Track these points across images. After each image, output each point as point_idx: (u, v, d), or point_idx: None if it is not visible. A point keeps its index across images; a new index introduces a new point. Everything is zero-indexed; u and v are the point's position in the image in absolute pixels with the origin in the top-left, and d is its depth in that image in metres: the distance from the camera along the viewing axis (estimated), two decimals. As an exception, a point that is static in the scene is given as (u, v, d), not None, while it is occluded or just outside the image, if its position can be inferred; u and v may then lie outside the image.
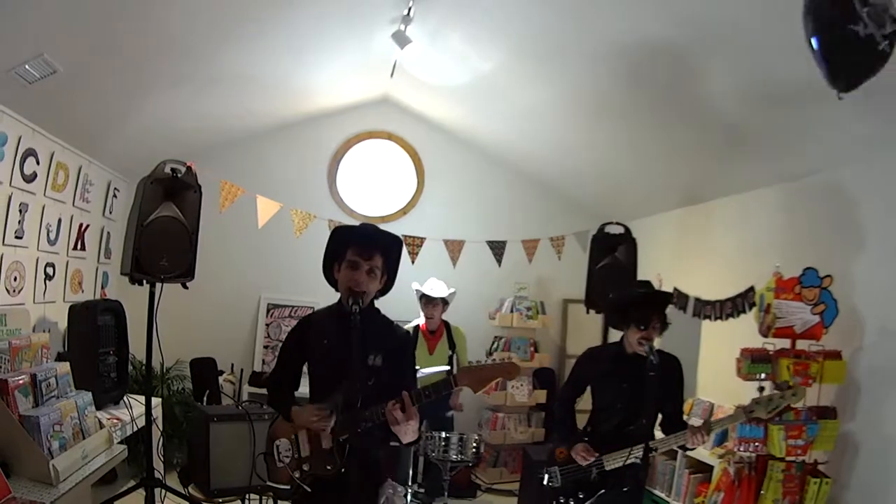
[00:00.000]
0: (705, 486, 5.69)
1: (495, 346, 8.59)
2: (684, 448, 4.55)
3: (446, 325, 7.27)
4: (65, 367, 3.88)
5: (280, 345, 7.39)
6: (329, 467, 3.42)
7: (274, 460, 3.63)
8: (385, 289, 3.65)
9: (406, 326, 6.97)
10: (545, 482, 4.74)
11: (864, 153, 4.98)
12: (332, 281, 3.61)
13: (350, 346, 3.20)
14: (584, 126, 6.92)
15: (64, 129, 5.92)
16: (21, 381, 3.39)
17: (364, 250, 3.47)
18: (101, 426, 3.99)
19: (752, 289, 6.01)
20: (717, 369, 6.38)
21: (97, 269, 7.30)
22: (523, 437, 8.37)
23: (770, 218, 6.07)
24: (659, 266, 7.63)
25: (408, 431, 3.29)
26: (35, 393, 3.48)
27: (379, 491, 3.61)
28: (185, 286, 5.30)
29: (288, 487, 3.59)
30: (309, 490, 3.48)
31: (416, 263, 7.95)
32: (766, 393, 4.59)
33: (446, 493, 6.18)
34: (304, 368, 3.77)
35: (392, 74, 7.17)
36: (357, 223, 6.98)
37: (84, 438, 3.67)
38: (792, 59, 4.32)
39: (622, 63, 5.40)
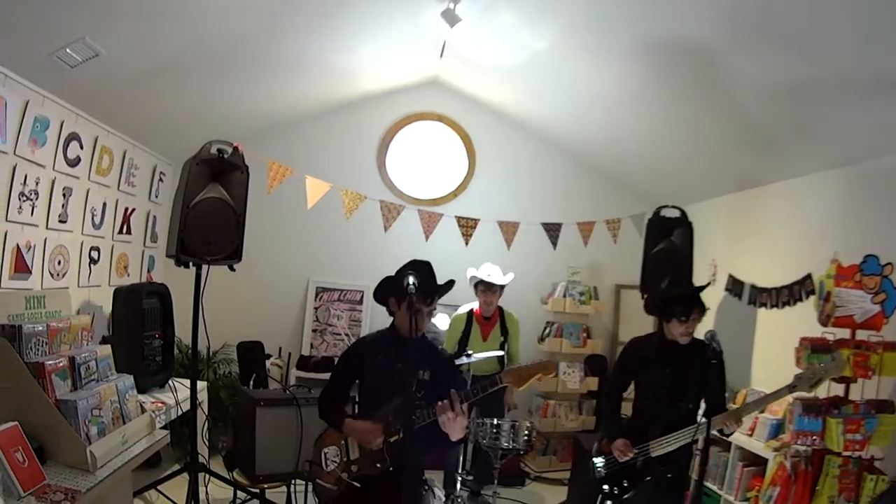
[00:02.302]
0: (759, 480, 5.52)
1: (547, 331, 8.50)
2: (722, 432, 4.57)
3: (500, 310, 7.16)
4: (106, 349, 3.80)
5: (328, 328, 7.33)
6: (378, 465, 3.87)
7: (321, 467, 4.04)
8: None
9: (460, 310, 6.94)
10: (597, 469, 4.83)
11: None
12: (384, 304, 4.16)
13: (405, 364, 3.66)
14: (639, 109, 6.76)
15: (108, 113, 5.90)
16: (59, 365, 3.31)
17: (429, 298, 3.98)
18: (143, 410, 3.91)
19: (809, 276, 5.86)
20: (772, 359, 6.26)
21: (143, 253, 7.32)
22: (574, 424, 8.27)
23: (827, 203, 5.88)
24: (714, 251, 7.48)
25: (456, 429, 3.65)
26: (73, 376, 3.41)
27: (426, 483, 4.09)
28: (231, 268, 5.23)
29: (334, 488, 3.98)
30: (358, 485, 3.89)
31: (469, 246, 7.83)
32: (807, 367, 4.54)
33: (496, 482, 6.07)
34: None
35: (441, 55, 7.04)
36: (405, 204, 6.99)
37: (124, 423, 3.60)
38: (852, 47, 4.26)
39: (678, 46, 5.26)
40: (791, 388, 4.26)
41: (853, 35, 4.15)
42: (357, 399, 4.29)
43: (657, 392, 4.69)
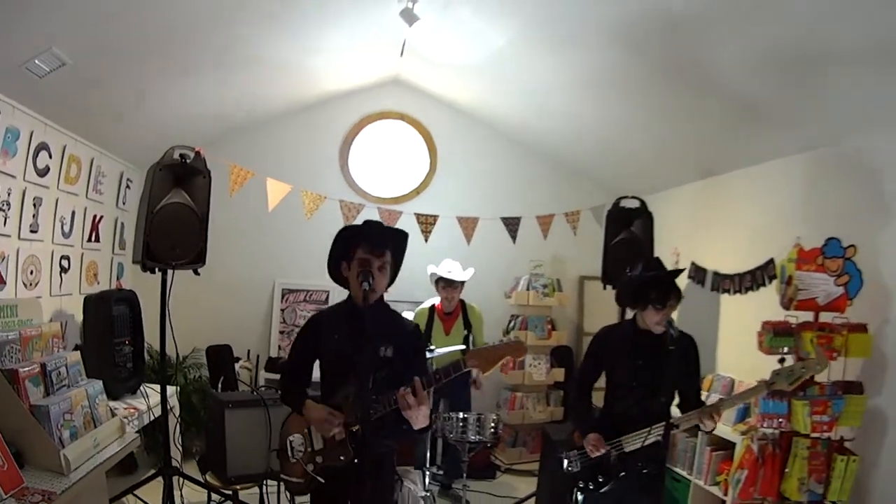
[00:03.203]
0: (728, 464, 5.60)
1: (512, 324, 8.56)
2: (699, 428, 4.42)
3: (462, 304, 7.23)
4: (75, 356, 3.83)
5: (296, 329, 7.35)
6: (342, 458, 3.52)
7: (287, 456, 3.72)
8: (390, 283, 3.76)
9: (422, 306, 6.96)
10: (564, 467, 4.67)
11: (887, 119, 4.84)
12: (340, 279, 3.74)
13: (362, 340, 3.30)
14: (598, 100, 6.84)
15: (75, 122, 5.90)
16: (32, 371, 3.35)
17: (375, 247, 3.56)
18: (113, 414, 3.95)
19: (771, 261, 5.93)
20: (737, 344, 6.32)
21: (112, 260, 7.30)
22: (542, 416, 8.36)
23: (789, 189, 5.96)
24: (676, 240, 7.57)
25: (419, 417, 3.34)
26: (46, 382, 3.44)
27: (398, 475, 3.69)
28: (196, 272, 5.28)
29: (301, 481, 3.68)
30: (322, 481, 3.56)
31: (429, 242, 7.89)
32: (787, 364, 4.43)
33: (465, 475, 6.11)
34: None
35: (402, 53, 7.09)
36: (366, 202, 6.99)
37: (96, 427, 3.64)
38: (810, 23, 4.24)
39: (635, 35, 5.31)
40: (769, 385, 4.15)
41: (809, 10, 4.15)
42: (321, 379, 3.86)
43: (630, 384, 4.52)
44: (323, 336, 3.76)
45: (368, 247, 3.54)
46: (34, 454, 3.15)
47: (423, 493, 4.33)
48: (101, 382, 3.89)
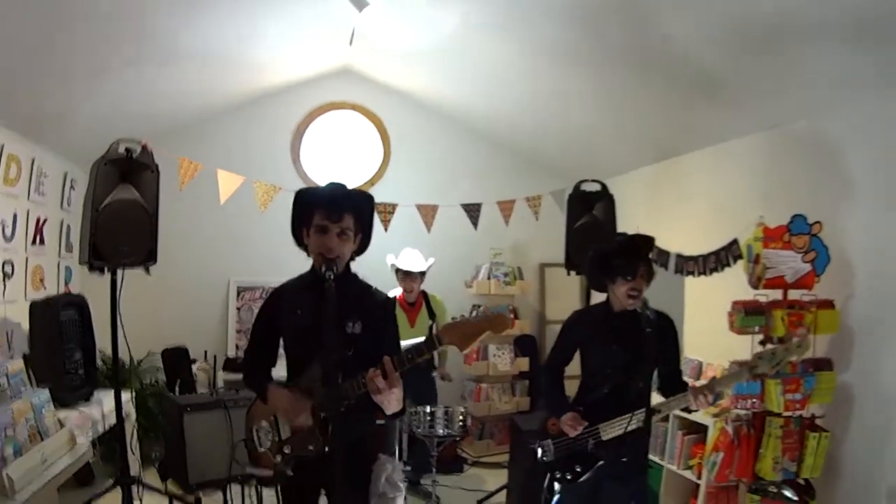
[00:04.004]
0: (700, 447, 5.55)
1: (474, 314, 8.39)
2: (687, 410, 4.33)
3: (424, 295, 7.12)
4: (18, 364, 3.66)
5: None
6: (311, 447, 3.22)
7: (255, 445, 3.45)
8: (361, 248, 3.46)
9: (383, 298, 6.78)
10: (539, 456, 4.48)
11: (847, 97, 4.81)
12: (304, 247, 3.42)
13: (326, 315, 3.01)
14: (551, 82, 6.72)
15: (12, 119, 5.64)
16: (-32, 385, 3.16)
17: (332, 212, 3.28)
18: (62, 425, 3.75)
19: (735, 241, 5.87)
20: (704, 326, 6.25)
21: (59, 264, 7.04)
22: (508, 406, 8.29)
23: (750, 168, 5.94)
24: (637, 223, 7.45)
25: (391, 401, 3.07)
26: (-17, 396, 3.26)
27: (374, 468, 3.44)
28: (147, 271, 5.08)
29: (271, 473, 3.39)
30: (291, 474, 3.30)
31: (389, 231, 7.69)
32: (768, 347, 4.37)
33: (434, 470, 6.03)
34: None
35: (351, 42, 6.92)
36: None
37: (42, 440, 3.43)
38: None
39: (589, 13, 5.19)
40: (751, 369, 3.99)
41: None
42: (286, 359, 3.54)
43: (604, 370, 4.30)
44: (284, 311, 3.47)
45: (325, 212, 3.28)
46: (-27, 475, 2.95)
47: (401, 485, 4.11)
48: (47, 392, 3.71)
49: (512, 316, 8.40)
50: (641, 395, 4.10)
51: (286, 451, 3.32)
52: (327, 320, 3.01)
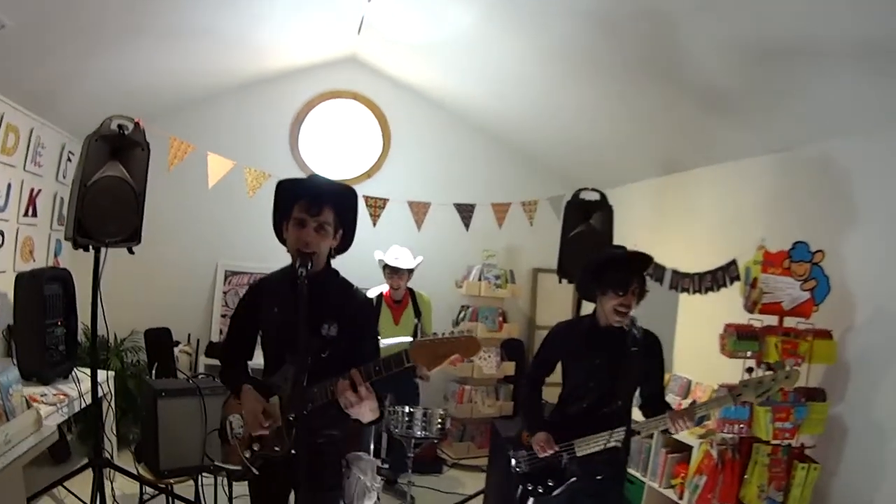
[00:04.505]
0: (683, 467, 5.51)
1: (462, 315, 8.40)
2: (666, 432, 4.26)
3: (411, 292, 7.05)
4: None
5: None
6: (277, 448, 3.16)
7: (227, 437, 3.38)
8: (343, 246, 3.38)
9: (369, 294, 6.73)
10: (512, 466, 4.46)
11: (858, 123, 4.73)
12: (284, 241, 3.32)
13: (300, 313, 2.93)
14: (562, 87, 6.65)
15: (13, 89, 5.55)
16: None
17: (311, 205, 3.18)
18: (29, 406, 3.65)
19: (734, 262, 5.82)
20: (694, 344, 6.23)
21: (50, 237, 6.97)
22: (491, 410, 8.22)
23: (755, 189, 5.85)
24: (635, 236, 7.40)
25: (364, 412, 3.00)
26: (-51, 374, 3.16)
27: (347, 462, 3.44)
28: (130, 251, 4.97)
29: (239, 468, 3.30)
30: (257, 473, 3.22)
31: (377, 227, 7.63)
32: (755, 374, 4.32)
33: (410, 470, 5.98)
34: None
35: (359, 31, 6.85)
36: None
37: (8, 420, 3.34)
38: (789, 19, 4.07)
39: (605, 21, 5.11)
40: (735, 397, 3.94)
41: (787, 7, 4.00)
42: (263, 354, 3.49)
43: (587, 384, 4.26)
44: (263, 306, 3.41)
45: (304, 205, 3.18)
46: (-67, 455, 2.86)
47: (375, 484, 4.07)
48: (16, 370, 3.60)
49: (500, 319, 8.34)
50: (621, 413, 4.09)
51: (254, 448, 3.25)
52: (301, 319, 2.93)
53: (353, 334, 3.27)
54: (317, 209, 3.17)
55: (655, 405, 4.22)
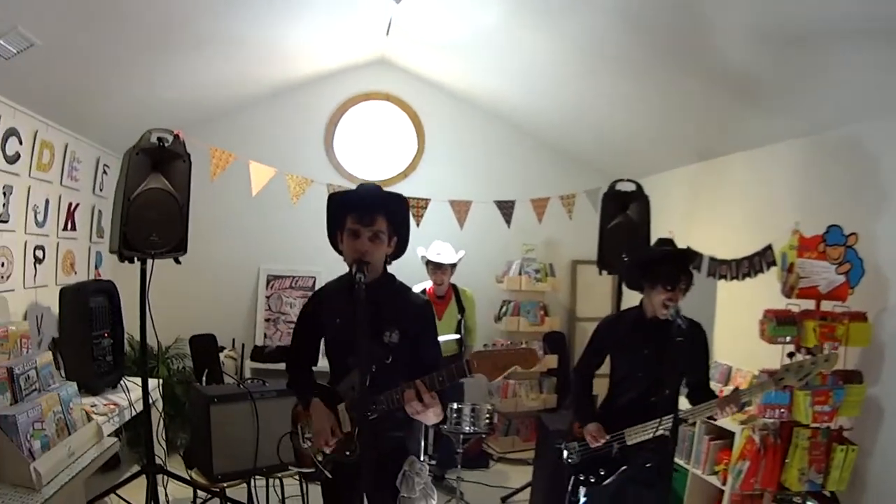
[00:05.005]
0: (726, 453, 5.49)
1: (504, 310, 8.42)
2: (711, 418, 4.34)
3: (454, 288, 7.12)
4: (47, 356, 3.63)
5: (282, 317, 7.09)
6: (348, 453, 3.27)
7: (299, 440, 3.53)
8: (397, 252, 3.45)
9: (413, 290, 6.79)
10: (564, 458, 4.56)
11: (888, 105, 4.69)
12: (340, 252, 3.38)
13: (360, 321, 2.98)
14: (593, 80, 6.64)
15: (47, 106, 5.64)
16: (-2, 377, 3.15)
17: (364, 216, 3.24)
18: (89, 419, 3.75)
19: (769, 247, 5.79)
20: (734, 331, 6.22)
21: (90, 249, 7.07)
22: (535, 403, 8.25)
23: (788, 174, 5.82)
24: (671, 224, 7.41)
25: (429, 417, 3.10)
26: (13, 388, 3.24)
27: (404, 470, 3.40)
28: (177, 261, 5.07)
29: (312, 471, 3.45)
30: (329, 476, 3.35)
31: (420, 227, 7.68)
32: (796, 359, 4.37)
33: (459, 465, 6.04)
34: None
35: (388, 32, 6.90)
36: (352, 186, 6.72)
37: (69, 434, 3.43)
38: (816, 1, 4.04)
39: (629, 12, 5.12)
40: (778, 381, 4.01)
41: None
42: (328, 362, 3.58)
43: (635, 375, 4.38)
44: (324, 314, 3.52)
45: (357, 215, 3.24)
46: (2, 469, 2.94)
47: (426, 482, 4.19)
48: (74, 385, 3.70)
49: (542, 312, 8.36)
50: (668, 402, 4.14)
51: (326, 451, 3.34)
52: (360, 326, 2.97)
53: (415, 338, 3.35)
54: (369, 219, 3.23)
55: (702, 393, 4.32)
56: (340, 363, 3.37)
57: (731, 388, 5.59)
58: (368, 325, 3.02)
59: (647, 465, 4.25)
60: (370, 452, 3.04)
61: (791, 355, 4.62)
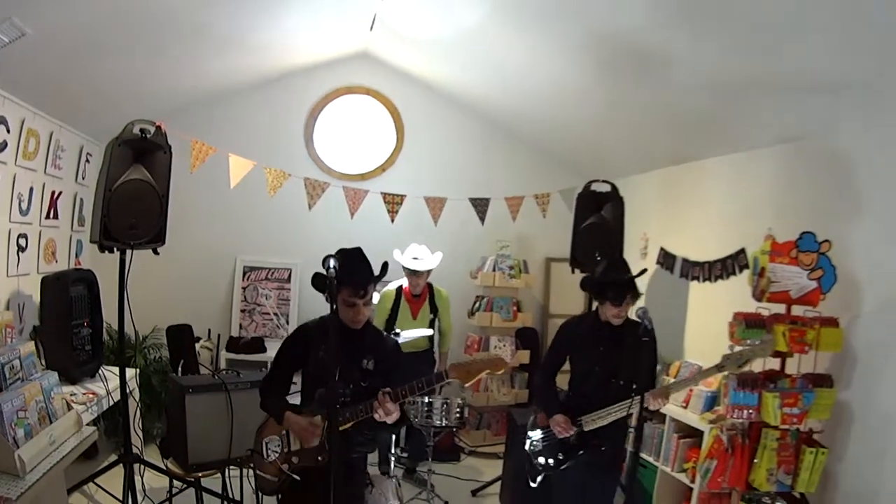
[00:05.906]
0: (695, 452, 5.60)
1: (477, 305, 8.47)
2: (648, 410, 4.58)
3: (430, 287, 7.14)
4: (29, 346, 3.67)
5: (257, 308, 7.16)
6: (319, 458, 3.77)
7: (262, 456, 3.91)
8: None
9: (388, 287, 6.85)
10: (526, 447, 5.02)
11: (860, 115, 4.80)
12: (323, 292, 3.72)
13: (347, 352, 3.78)
14: (571, 80, 6.68)
15: (34, 95, 5.68)
16: (-20, 367, 3.21)
17: (359, 291, 3.79)
18: (69, 408, 3.80)
19: (742, 251, 5.91)
20: (704, 332, 6.34)
21: (71, 238, 7.09)
22: (507, 398, 8.32)
23: (764, 180, 5.89)
24: (646, 225, 7.53)
25: (393, 417, 3.72)
26: (-3, 378, 3.30)
27: (371, 480, 4.21)
28: (155, 252, 5.16)
29: (275, 479, 3.89)
30: (298, 478, 3.80)
31: (396, 222, 7.73)
32: (735, 349, 4.63)
33: (430, 458, 6.13)
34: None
35: (371, 27, 6.93)
36: (330, 180, 6.86)
37: (51, 423, 3.49)
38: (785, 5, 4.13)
39: (610, 12, 5.17)
40: (719, 368, 4.47)
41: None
42: (301, 388, 4.12)
43: (591, 370, 4.83)
44: (312, 348, 3.91)
45: (352, 291, 3.76)
46: (-15, 457, 3.00)
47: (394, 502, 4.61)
48: (55, 374, 3.75)
49: (515, 308, 8.42)
50: (622, 392, 4.56)
51: (294, 460, 3.83)
52: (349, 356, 3.79)
53: (384, 369, 3.97)
54: (364, 291, 3.81)
55: (647, 389, 4.59)
56: (318, 385, 3.87)
57: (700, 388, 5.70)
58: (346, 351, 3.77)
59: (602, 449, 4.71)
60: (337, 459, 3.37)
61: (732, 347, 4.75)
